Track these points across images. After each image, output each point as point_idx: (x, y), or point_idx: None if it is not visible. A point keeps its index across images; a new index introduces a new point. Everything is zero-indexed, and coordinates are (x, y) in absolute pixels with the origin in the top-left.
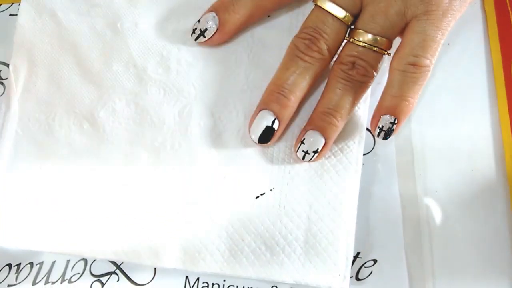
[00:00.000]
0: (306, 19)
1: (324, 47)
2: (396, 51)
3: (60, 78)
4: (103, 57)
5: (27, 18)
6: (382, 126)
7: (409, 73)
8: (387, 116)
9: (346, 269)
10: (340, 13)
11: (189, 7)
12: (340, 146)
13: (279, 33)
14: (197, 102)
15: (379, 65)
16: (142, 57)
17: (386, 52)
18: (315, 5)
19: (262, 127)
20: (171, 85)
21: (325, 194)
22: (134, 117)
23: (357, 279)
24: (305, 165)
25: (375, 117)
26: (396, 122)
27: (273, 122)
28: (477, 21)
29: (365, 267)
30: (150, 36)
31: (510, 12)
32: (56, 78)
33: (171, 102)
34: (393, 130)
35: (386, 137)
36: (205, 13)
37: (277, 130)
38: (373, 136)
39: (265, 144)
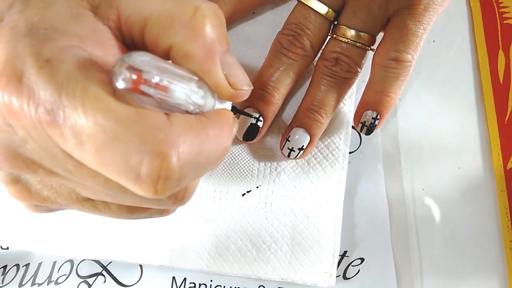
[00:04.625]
0: (289, 15)
1: (307, 43)
2: (378, 46)
3: None
4: None
5: None
6: (365, 122)
7: (390, 68)
8: (370, 112)
9: (332, 266)
10: (322, 9)
11: None
12: (326, 143)
13: (263, 29)
14: None
15: (362, 61)
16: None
17: (369, 48)
18: (298, 1)
19: (247, 125)
20: None
21: (311, 191)
22: None
23: (345, 277)
24: (291, 162)
25: (358, 113)
26: (378, 117)
27: (257, 120)
28: (463, 18)
29: (352, 265)
30: None
31: (496, 8)
32: None
33: None
34: (376, 125)
35: (368, 132)
36: None
37: (262, 128)
38: (359, 134)
39: (250, 142)
